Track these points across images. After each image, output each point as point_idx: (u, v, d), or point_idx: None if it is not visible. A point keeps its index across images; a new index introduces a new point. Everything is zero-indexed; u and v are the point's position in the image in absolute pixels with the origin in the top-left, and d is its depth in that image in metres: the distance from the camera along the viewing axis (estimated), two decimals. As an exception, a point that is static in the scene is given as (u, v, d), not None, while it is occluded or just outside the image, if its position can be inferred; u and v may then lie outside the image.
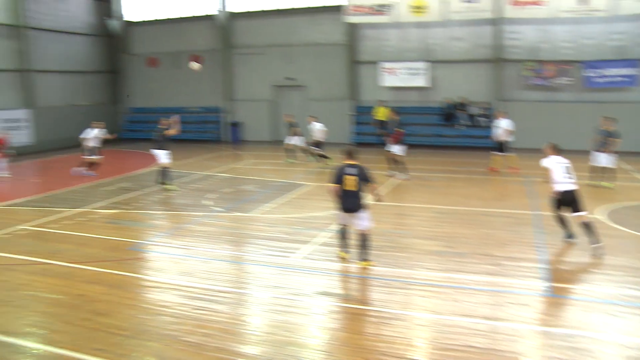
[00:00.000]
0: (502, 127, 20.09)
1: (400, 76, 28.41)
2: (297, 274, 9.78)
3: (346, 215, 9.89)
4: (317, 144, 22.33)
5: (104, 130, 21.78)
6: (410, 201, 15.55)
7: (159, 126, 18.03)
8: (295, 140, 23.56)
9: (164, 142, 17.81)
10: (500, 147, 20.14)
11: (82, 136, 21.51)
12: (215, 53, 32.63)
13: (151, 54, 34.66)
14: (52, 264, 10.45)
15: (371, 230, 10.15)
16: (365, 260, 9.94)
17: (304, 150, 23.52)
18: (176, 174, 20.35)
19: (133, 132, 33.64)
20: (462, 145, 27.25)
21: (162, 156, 17.83)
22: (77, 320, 7.98)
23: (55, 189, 18.24)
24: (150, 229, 12.96)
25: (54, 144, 30.54)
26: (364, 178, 9.73)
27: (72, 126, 31.72)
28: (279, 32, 31.10)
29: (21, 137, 28.43)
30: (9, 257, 10.94)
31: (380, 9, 27.19)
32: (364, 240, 9.95)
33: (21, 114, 29.18)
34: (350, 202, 9.74)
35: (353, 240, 10.36)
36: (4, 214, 14.96)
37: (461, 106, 27.74)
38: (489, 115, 26.74)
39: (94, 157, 20.76)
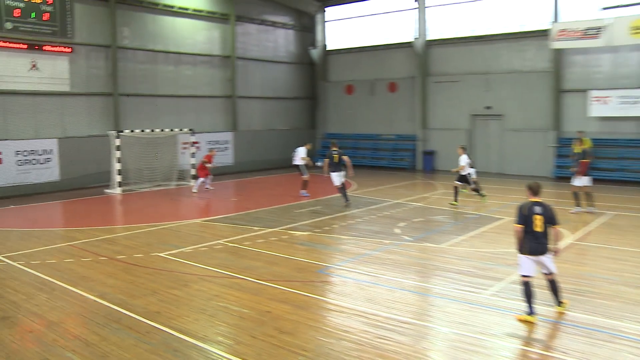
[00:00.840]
0: None
1: (613, 105, 26.08)
2: (486, 312, 9.23)
3: (532, 259, 8.81)
4: (462, 179, 19.84)
5: (306, 151, 23.11)
6: (618, 243, 14.06)
7: (332, 150, 19.91)
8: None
9: (338, 165, 19.61)
10: None
11: (295, 156, 23.17)
12: (411, 80, 32.83)
13: (347, 81, 35.86)
14: (243, 279, 11.01)
15: (557, 274, 9.15)
16: (560, 303, 9.09)
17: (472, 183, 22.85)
18: (367, 201, 20.64)
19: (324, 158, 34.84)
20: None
21: (335, 178, 19.61)
22: (262, 335, 8.26)
23: (250, 208, 19.44)
24: (338, 253, 13.12)
25: (250, 166, 32.84)
26: (550, 219, 8.76)
27: (269, 150, 34.04)
28: (477, 59, 30.41)
29: (224, 157, 30.98)
30: (206, 269, 11.77)
31: (592, 33, 25.33)
32: (553, 284, 9.01)
33: (226, 136, 31.77)
34: (538, 245, 8.74)
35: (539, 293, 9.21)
36: (204, 228, 16.24)
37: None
38: None
39: (305, 176, 22.06)
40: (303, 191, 21.87)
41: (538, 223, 8.70)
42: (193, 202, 21.83)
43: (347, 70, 36.07)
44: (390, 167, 32.79)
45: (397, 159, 33.21)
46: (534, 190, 8.89)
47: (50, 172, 24.32)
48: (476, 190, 20.12)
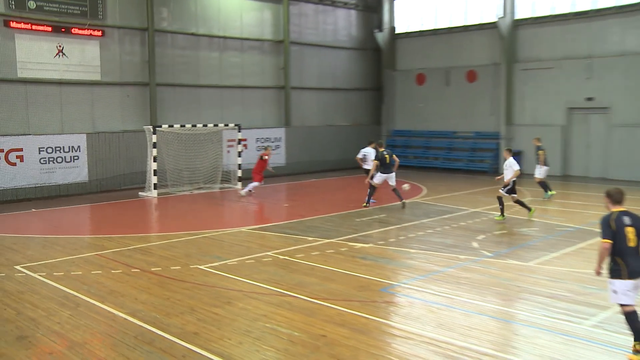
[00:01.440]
0: None
1: None
2: (586, 346, 8.85)
3: (635, 283, 8.13)
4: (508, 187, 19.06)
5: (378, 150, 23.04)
6: None
7: (383, 151, 20.94)
8: (541, 172, 23.07)
9: (388, 166, 20.77)
10: None
11: (360, 156, 23.40)
12: (494, 68, 32.31)
13: (418, 69, 35.61)
14: (294, 296, 10.99)
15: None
16: None
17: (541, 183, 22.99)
18: (439, 209, 20.40)
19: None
20: None
21: (379, 178, 20.81)
22: (316, 364, 8.20)
23: (304, 216, 19.50)
24: (405, 269, 13.06)
25: (305, 167, 33.02)
26: None
27: (326, 149, 34.08)
28: (578, 40, 29.46)
29: (275, 157, 31.20)
30: (252, 284, 11.80)
31: None
32: None
33: (278, 132, 32.00)
34: (638, 263, 8.09)
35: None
36: (251, 237, 16.34)
37: None
38: None
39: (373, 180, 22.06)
40: (372, 200, 21.46)
41: (631, 237, 8.12)
42: (239, 207, 22.01)
43: (418, 57, 35.85)
44: (467, 170, 32.39)
45: (475, 161, 32.87)
46: (615, 198, 8.37)
47: (78, 172, 25.03)
48: (521, 203, 19.08)
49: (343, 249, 14.75)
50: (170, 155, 25.65)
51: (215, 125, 26.83)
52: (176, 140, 25.84)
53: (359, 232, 16.91)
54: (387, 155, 20.78)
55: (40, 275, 12.68)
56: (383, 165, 20.72)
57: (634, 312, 8.13)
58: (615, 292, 8.20)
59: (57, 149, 24.44)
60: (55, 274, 12.80)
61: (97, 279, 12.38)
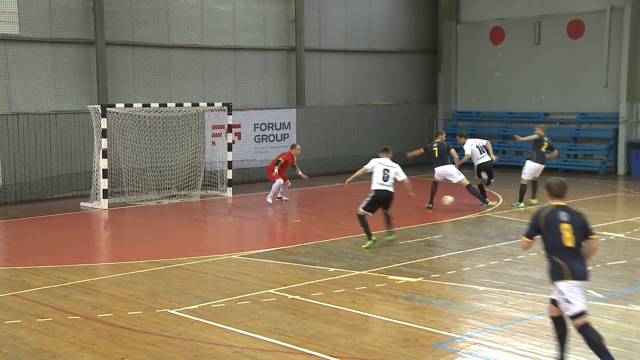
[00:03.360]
0: None
1: None
2: None
3: (581, 284, 9.91)
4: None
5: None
6: None
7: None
8: None
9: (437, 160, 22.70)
10: None
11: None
12: (612, 16, 32.09)
13: (493, 21, 35.51)
14: (309, 354, 10.85)
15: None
16: None
17: None
18: (521, 228, 20.04)
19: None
20: None
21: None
22: None
23: (324, 236, 19.55)
24: (471, 316, 12.91)
25: (324, 165, 32.95)
26: (582, 228, 10.03)
27: (358, 138, 33.83)
28: None
29: (281, 150, 30.87)
30: (247, 336, 11.66)
31: None
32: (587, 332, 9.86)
33: (285, 115, 32.02)
34: (581, 266, 9.95)
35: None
36: (246, 268, 16.26)
37: None
38: None
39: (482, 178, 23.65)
40: (486, 199, 23.84)
41: (568, 235, 9.90)
42: (229, 224, 21.88)
43: (492, 3, 35.70)
44: (567, 170, 32.11)
45: (579, 156, 32.84)
46: (554, 191, 10.18)
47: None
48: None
49: (379, 285, 14.69)
50: (129, 149, 25.62)
51: (195, 104, 26.79)
52: (137, 127, 25.83)
53: (402, 259, 16.90)
54: (435, 148, 23.29)
55: None
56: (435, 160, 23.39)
57: (589, 324, 9.81)
58: (567, 301, 9.82)
59: None
60: (-51, 324, 12.64)
61: (14, 332, 12.12)
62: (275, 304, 13.48)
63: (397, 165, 18.78)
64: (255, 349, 11.14)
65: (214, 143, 28.58)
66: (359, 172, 19.75)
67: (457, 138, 24.97)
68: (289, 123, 32.10)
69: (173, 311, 13.03)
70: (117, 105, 25.04)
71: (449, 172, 23.33)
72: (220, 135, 28.24)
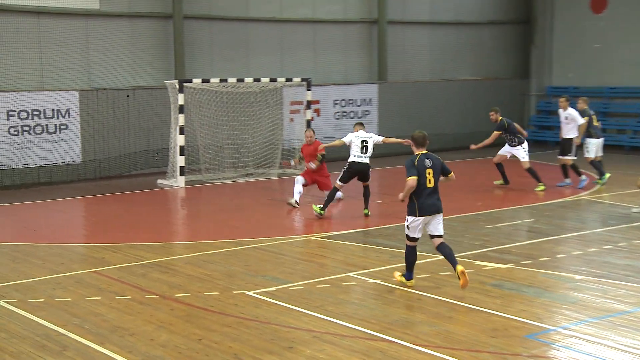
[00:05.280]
0: None
1: None
2: None
3: (425, 219, 13.39)
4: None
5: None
6: None
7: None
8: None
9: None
10: None
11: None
12: None
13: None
14: (392, 341, 10.80)
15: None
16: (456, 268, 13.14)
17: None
18: (625, 213, 19.91)
19: (544, 131, 34.14)
20: None
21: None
22: None
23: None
24: (566, 306, 12.69)
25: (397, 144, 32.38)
26: (442, 169, 13.55)
27: (441, 117, 33.63)
28: None
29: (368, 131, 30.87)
30: (326, 321, 11.70)
31: None
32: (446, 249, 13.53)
33: (366, 91, 32.00)
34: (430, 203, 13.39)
35: None
36: (325, 250, 16.45)
37: None
38: None
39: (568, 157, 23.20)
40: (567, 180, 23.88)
41: (430, 177, 13.30)
42: (307, 205, 21.92)
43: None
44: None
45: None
46: (419, 141, 13.52)
47: (66, 149, 25.51)
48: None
49: (466, 271, 14.36)
50: (205, 125, 25.83)
51: (273, 80, 26.89)
52: (214, 103, 26.03)
53: (492, 244, 16.77)
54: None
55: (9, 304, 12.81)
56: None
57: (414, 248, 13.51)
58: (407, 227, 13.48)
59: (35, 112, 24.93)
60: (31, 300, 12.94)
61: (95, 308, 12.43)
62: (356, 288, 13.60)
63: (371, 133, 20.42)
64: (335, 334, 11.18)
65: (292, 120, 28.74)
66: (335, 143, 20.76)
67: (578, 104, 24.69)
68: (370, 99, 32.10)
69: (250, 293, 13.18)
70: (194, 80, 25.38)
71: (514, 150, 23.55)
72: (298, 111, 28.35)
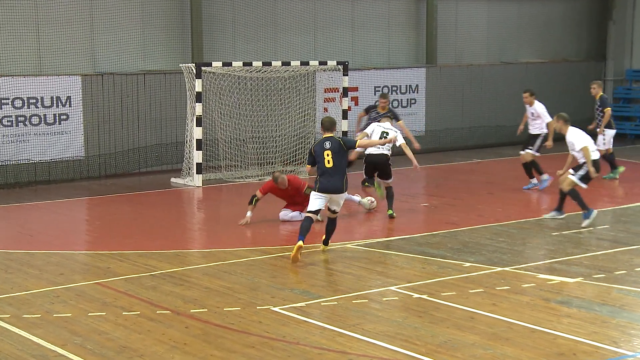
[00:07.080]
0: None
1: None
2: None
3: (325, 197, 16.59)
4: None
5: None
6: None
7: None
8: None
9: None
10: None
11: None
12: None
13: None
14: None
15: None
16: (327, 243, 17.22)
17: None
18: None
19: (623, 122, 34.12)
20: None
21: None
22: None
23: (459, 224, 19.52)
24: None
25: (460, 137, 33.02)
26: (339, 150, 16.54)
27: (500, 106, 33.67)
28: None
29: (408, 121, 30.81)
30: (364, 341, 11.73)
31: None
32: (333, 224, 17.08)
33: (412, 77, 32.10)
34: (329, 183, 16.47)
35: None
36: (363, 260, 16.45)
37: None
38: None
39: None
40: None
41: (328, 159, 16.19)
42: (342, 207, 21.93)
43: None
44: None
45: None
46: (325, 126, 16.69)
47: (67, 143, 25.68)
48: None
49: (527, 286, 14.63)
50: (226, 116, 25.99)
51: (304, 63, 26.97)
52: (236, 90, 26.16)
53: (557, 254, 16.75)
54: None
55: (1, 320, 12.90)
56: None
57: (310, 219, 16.38)
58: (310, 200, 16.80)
59: (31, 101, 25.12)
60: (26, 316, 13.05)
61: (98, 326, 12.53)
62: (398, 304, 13.64)
63: (397, 132, 20.59)
64: (373, 356, 11.26)
65: (326, 109, 28.76)
66: (367, 142, 20.51)
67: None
68: (417, 86, 32.13)
69: (276, 308, 13.24)
70: (214, 64, 25.42)
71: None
72: (333, 100, 28.46)
